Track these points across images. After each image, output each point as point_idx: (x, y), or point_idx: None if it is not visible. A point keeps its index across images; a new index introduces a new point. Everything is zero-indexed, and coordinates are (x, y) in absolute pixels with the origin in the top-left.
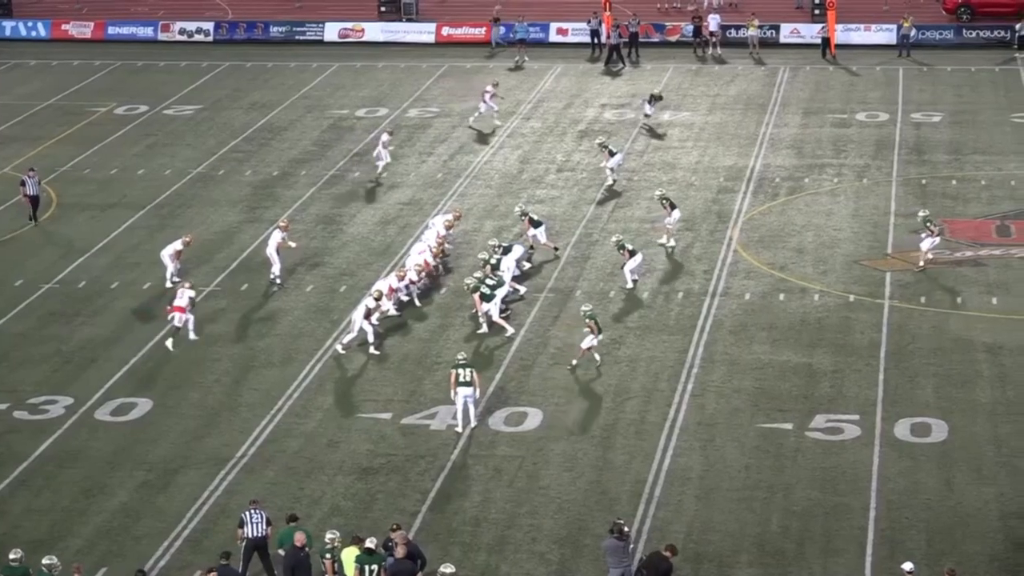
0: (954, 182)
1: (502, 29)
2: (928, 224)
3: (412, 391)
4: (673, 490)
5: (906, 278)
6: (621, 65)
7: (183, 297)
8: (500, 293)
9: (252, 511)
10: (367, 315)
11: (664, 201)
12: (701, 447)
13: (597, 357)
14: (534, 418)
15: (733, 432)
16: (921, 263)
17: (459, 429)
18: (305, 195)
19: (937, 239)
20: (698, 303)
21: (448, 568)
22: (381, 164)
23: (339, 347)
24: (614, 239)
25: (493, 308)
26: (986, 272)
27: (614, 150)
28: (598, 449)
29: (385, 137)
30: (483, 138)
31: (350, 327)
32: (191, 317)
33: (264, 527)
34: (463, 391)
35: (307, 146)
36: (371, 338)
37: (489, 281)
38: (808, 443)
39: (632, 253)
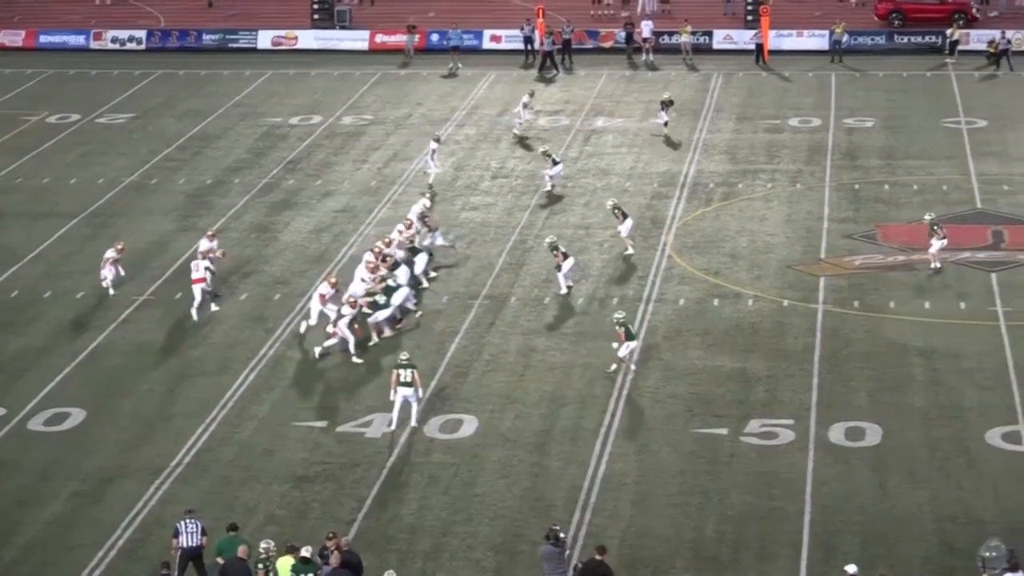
0: (887, 187)
1: (441, 36)
2: (935, 227)
3: (347, 398)
4: (608, 496)
5: (839, 283)
6: (555, 72)
7: (199, 269)
8: (396, 300)
9: (187, 521)
10: (346, 320)
11: (616, 211)
12: (636, 453)
13: (632, 367)
14: (469, 425)
15: (668, 437)
16: (935, 264)
17: (392, 427)
18: (239, 203)
19: (944, 240)
20: (633, 309)
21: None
22: (432, 174)
23: (354, 358)
24: (547, 240)
25: (382, 315)
26: (918, 276)
27: (557, 159)
28: (533, 456)
29: (433, 145)
30: (420, 145)
31: (338, 336)
32: (208, 287)
33: (199, 536)
34: (403, 391)
35: (240, 154)
36: (329, 342)
37: (391, 283)
38: (743, 448)
39: (565, 255)
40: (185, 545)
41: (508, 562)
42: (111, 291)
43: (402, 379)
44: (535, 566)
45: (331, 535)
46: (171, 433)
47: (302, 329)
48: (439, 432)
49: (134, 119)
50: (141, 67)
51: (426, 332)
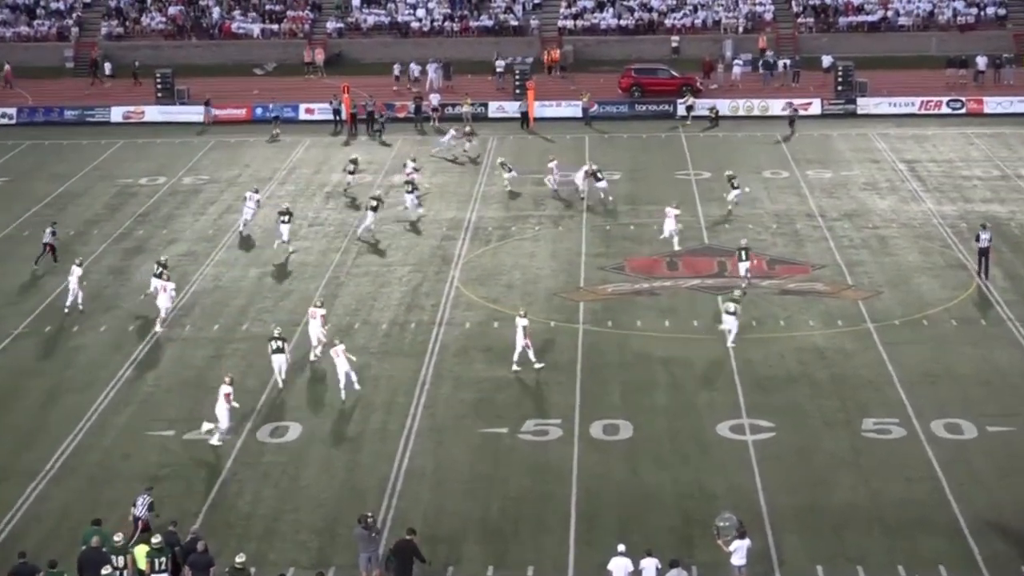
0: (632, 227)
1: (264, 109)
2: (732, 182)
3: (191, 410)
4: (411, 485)
5: (595, 306)
6: (359, 136)
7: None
8: None
9: (143, 496)
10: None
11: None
12: (434, 449)
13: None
14: (295, 430)
15: (460, 436)
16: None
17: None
18: (98, 250)
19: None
20: (427, 331)
21: (240, 557)
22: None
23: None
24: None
25: None
26: (659, 300)
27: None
28: (349, 453)
29: (586, 167)
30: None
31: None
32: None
33: (146, 512)
34: (276, 358)
35: (99, 209)
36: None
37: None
38: (520, 443)
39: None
40: (137, 515)
41: (329, 543)
42: (80, 306)
43: (274, 348)
44: (351, 546)
45: (173, 523)
46: (45, 441)
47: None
48: (269, 437)
49: (8, 182)
50: (13, 138)
51: (259, 354)
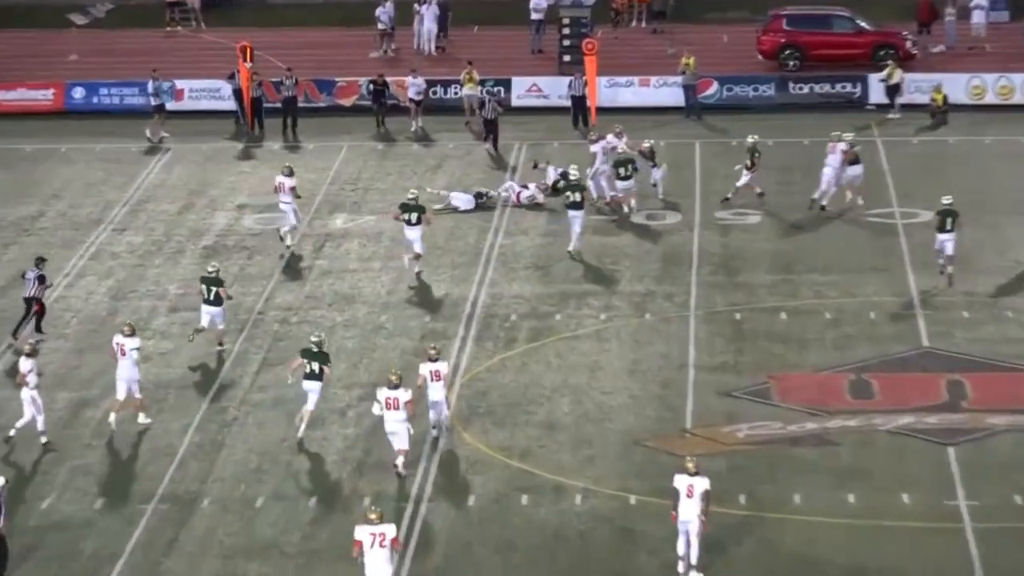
0: (783, 315)
1: (88, 91)
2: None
3: None
4: None
5: (715, 465)
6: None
7: None
8: None
9: None
10: None
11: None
12: None
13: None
14: None
15: None
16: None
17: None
18: None
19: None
20: (398, 510)
21: None
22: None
23: None
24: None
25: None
26: (837, 454)
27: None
28: None
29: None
30: (57, 260)
31: None
32: None
33: None
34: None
35: None
36: None
37: None
38: None
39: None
40: None
41: None
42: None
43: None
44: None
45: None
46: None
47: None
48: None
49: None
50: None
51: (73, 554)
